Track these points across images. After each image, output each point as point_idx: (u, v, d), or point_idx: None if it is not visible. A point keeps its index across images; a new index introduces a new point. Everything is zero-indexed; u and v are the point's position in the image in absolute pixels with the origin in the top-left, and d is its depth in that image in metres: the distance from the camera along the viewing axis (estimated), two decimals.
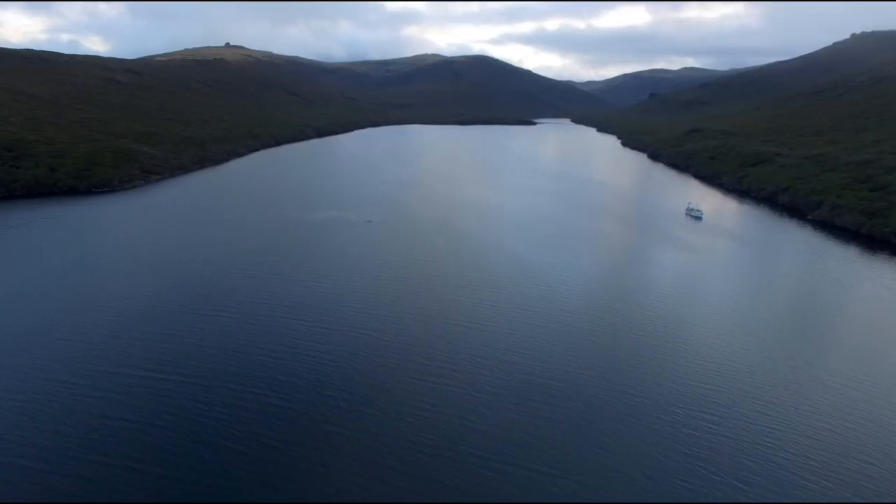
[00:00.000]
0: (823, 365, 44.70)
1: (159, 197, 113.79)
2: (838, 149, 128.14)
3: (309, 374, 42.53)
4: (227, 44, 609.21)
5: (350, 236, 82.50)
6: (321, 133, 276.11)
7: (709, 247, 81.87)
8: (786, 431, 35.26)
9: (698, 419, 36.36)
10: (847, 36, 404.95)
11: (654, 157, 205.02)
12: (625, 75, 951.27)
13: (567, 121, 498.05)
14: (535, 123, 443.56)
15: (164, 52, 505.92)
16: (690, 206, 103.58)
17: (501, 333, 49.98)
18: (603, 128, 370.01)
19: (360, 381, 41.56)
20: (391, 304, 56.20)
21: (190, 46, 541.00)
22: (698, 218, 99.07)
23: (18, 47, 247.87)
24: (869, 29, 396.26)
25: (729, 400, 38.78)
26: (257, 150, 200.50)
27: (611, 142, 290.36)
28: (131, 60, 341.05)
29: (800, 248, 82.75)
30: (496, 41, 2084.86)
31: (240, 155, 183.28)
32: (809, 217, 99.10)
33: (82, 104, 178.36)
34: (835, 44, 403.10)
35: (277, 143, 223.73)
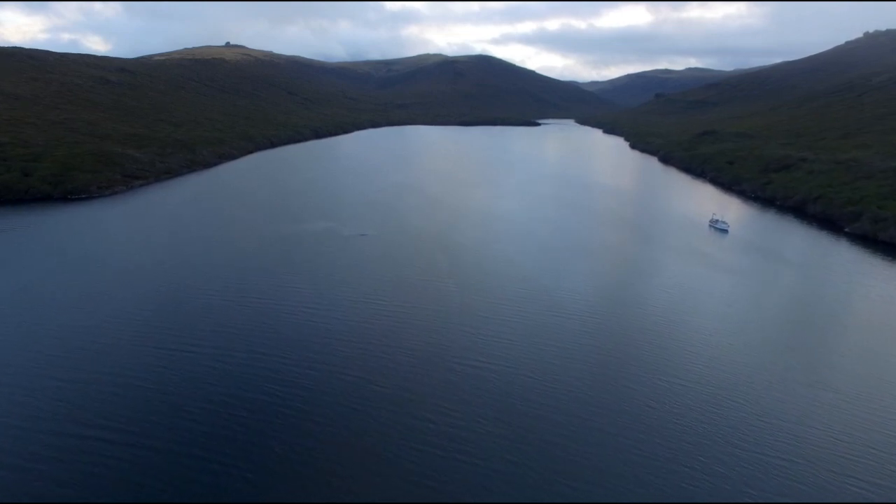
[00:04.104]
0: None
1: (139, 205, 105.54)
2: (870, 153, 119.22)
3: (289, 412, 36.13)
4: (228, 43, 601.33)
5: (341, 252, 74.03)
6: (319, 134, 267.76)
7: (742, 266, 73.10)
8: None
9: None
10: (852, 36, 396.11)
11: (666, 160, 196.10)
12: (629, 75, 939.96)
13: (571, 121, 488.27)
14: (538, 124, 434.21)
15: (164, 51, 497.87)
16: (715, 218, 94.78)
17: (508, 368, 42.05)
18: (609, 129, 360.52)
19: (349, 419, 34.58)
20: (384, 334, 47.78)
21: (191, 46, 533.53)
22: (724, 231, 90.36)
23: (10, 45, 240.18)
24: (873, 28, 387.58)
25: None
26: (251, 152, 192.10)
27: (618, 143, 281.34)
28: (127, 59, 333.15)
29: (847, 266, 73.75)
30: (497, 41, 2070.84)
31: (232, 157, 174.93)
32: (847, 230, 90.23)
33: (67, 104, 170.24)
34: (847, 43, 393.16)
35: (273, 145, 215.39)
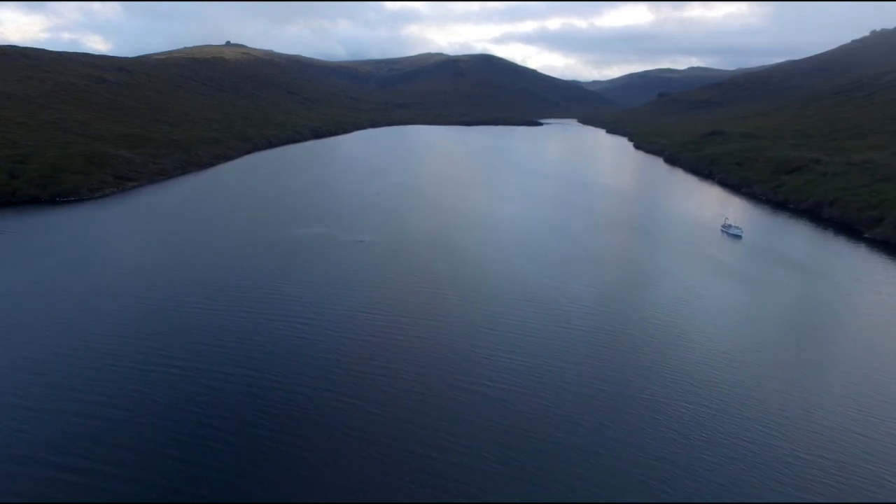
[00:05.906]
0: None
1: (130, 207, 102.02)
2: (886, 154, 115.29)
3: (278, 435, 33.50)
4: (228, 42, 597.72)
5: (336, 260, 70.36)
6: (319, 134, 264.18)
7: (759, 274, 69.23)
8: None
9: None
10: (855, 35, 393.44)
11: (672, 161, 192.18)
12: (631, 75, 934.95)
13: (574, 121, 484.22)
14: (541, 124, 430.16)
15: (164, 50, 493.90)
16: (727, 222, 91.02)
17: (512, 383, 39.07)
18: (612, 129, 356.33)
19: (344, 443, 31.54)
20: (381, 348, 44.19)
21: (191, 45, 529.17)
22: (737, 236, 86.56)
23: (6, 44, 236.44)
24: (880, 27, 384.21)
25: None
26: (249, 152, 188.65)
27: (622, 144, 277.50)
28: (125, 59, 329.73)
29: (872, 276, 69.65)
30: (498, 40, 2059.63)
31: (229, 158, 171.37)
32: (867, 235, 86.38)
33: (60, 104, 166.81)
34: (853, 41, 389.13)
35: (271, 146, 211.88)
